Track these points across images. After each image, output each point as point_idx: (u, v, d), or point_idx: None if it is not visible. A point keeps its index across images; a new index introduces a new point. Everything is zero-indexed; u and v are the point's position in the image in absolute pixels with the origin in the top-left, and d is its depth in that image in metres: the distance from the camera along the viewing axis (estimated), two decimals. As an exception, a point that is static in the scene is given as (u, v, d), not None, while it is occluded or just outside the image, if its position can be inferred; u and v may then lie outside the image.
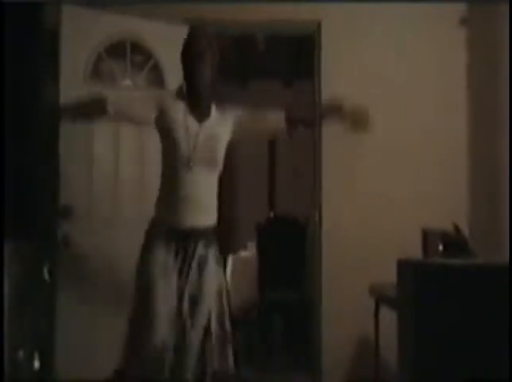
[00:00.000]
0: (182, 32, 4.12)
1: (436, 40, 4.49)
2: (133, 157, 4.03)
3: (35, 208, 3.96)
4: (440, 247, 3.33)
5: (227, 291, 2.88)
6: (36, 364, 3.53)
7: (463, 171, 4.42)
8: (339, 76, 4.44)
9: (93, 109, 2.92)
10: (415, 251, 3.50)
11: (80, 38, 3.87)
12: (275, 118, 2.97)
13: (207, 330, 2.66)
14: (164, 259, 2.71)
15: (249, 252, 5.92)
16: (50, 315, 3.71)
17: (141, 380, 2.60)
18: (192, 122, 2.78)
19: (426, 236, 3.54)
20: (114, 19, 4.01)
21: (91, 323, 3.76)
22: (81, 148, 3.88)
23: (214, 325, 2.67)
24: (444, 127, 4.45)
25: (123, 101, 2.97)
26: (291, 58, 6.84)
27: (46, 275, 3.70)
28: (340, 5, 4.44)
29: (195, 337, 2.63)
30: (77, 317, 3.70)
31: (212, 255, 2.79)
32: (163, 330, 2.60)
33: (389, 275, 3.14)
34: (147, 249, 2.78)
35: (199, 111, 2.82)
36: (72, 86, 3.83)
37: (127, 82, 4.10)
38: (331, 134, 4.38)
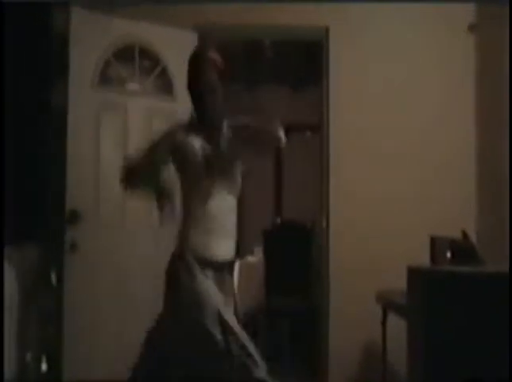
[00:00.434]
0: (190, 37, 4.19)
1: (444, 45, 4.49)
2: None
3: (42, 212, 3.96)
4: (448, 255, 3.32)
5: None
6: (44, 366, 3.53)
7: (471, 176, 4.41)
8: (346, 81, 4.45)
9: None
10: (422, 258, 3.49)
11: (89, 42, 3.88)
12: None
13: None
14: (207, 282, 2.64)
15: (256, 257, 5.91)
16: (57, 318, 3.71)
17: None
18: (208, 150, 2.70)
19: (434, 243, 3.53)
20: (123, 23, 4.02)
21: (97, 326, 3.77)
22: (88, 152, 3.88)
23: None
24: (452, 132, 4.44)
25: (134, 162, 2.80)
26: (299, 64, 6.84)
27: (53, 279, 3.70)
28: (349, 10, 4.44)
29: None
30: (84, 320, 3.71)
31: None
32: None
33: (396, 281, 3.13)
34: (188, 275, 2.62)
35: (215, 140, 2.72)
36: (81, 90, 3.85)
37: (135, 87, 4.11)
38: (338, 138, 4.40)
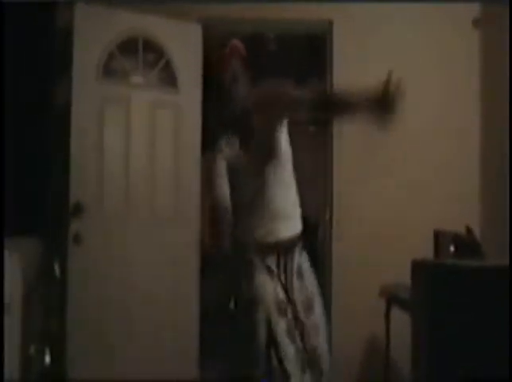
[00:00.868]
0: (194, 30, 4.19)
1: (448, 41, 4.48)
2: (144, 153, 4.03)
3: (46, 204, 3.97)
4: (452, 249, 3.31)
5: None
6: (47, 359, 3.53)
7: (475, 173, 4.41)
8: (350, 75, 4.43)
9: None
10: (426, 252, 3.49)
11: (93, 35, 3.88)
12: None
13: None
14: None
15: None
16: (61, 311, 3.72)
17: None
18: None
19: (438, 237, 3.53)
20: (127, 17, 4.01)
21: (101, 319, 3.77)
22: (92, 145, 3.88)
23: None
24: (456, 128, 4.43)
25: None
26: (302, 58, 6.81)
27: (57, 272, 3.70)
28: (352, 4, 4.43)
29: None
30: (87, 312, 3.72)
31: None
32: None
33: (400, 276, 3.13)
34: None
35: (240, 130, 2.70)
36: (85, 82, 3.85)
37: (139, 80, 4.10)
38: (342, 133, 4.39)
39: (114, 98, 3.97)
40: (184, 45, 4.17)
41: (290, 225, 2.66)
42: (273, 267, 2.58)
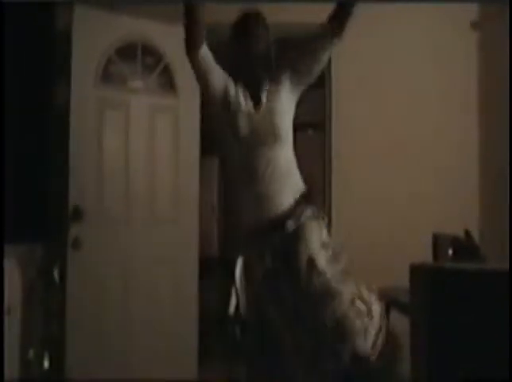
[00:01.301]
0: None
1: (448, 42, 4.48)
2: (143, 157, 4.04)
3: (45, 209, 3.97)
4: (450, 252, 3.32)
5: None
6: (46, 363, 3.53)
7: (474, 175, 4.41)
8: (349, 79, 4.44)
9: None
10: (425, 256, 3.49)
11: (92, 40, 3.89)
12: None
13: None
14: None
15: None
16: (60, 315, 3.72)
17: None
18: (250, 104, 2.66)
19: (436, 240, 3.53)
20: (126, 21, 4.02)
21: (100, 323, 3.78)
22: (91, 149, 3.89)
23: None
24: (455, 131, 4.43)
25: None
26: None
27: (56, 276, 3.70)
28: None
29: None
30: (87, 317, 3.72)
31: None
32: None
33: (399, 279, 3.13)
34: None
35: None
36: (83, 87, 3.85)
37: (138, 84, 4.11)
38: (340, 135, 4.39)
39: (113, 102, 3.98)
40: (182, 50, 4.16)
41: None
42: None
